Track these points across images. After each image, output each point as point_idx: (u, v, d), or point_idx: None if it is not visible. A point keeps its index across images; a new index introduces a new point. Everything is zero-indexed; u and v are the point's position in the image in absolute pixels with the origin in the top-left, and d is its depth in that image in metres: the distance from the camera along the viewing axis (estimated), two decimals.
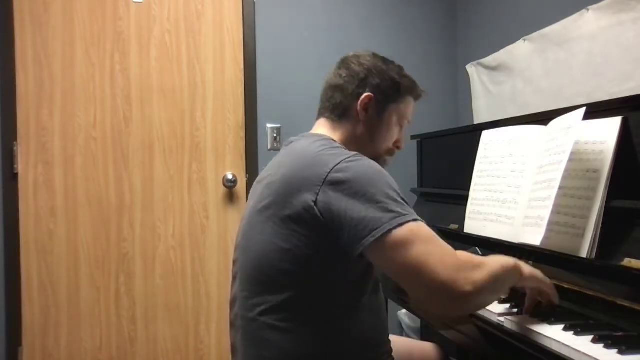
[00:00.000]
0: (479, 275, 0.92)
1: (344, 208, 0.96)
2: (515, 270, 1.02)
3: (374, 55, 1.22)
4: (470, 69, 2.64)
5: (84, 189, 2.37)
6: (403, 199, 0.99)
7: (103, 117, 2.40)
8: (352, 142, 1.17)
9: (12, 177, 2.30)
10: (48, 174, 2.34)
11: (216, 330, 2.49)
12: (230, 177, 2.48)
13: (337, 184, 0.98)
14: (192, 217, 2.48)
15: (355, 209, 0.95)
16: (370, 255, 0.96)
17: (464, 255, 0.96)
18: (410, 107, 1.24)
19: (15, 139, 2.31)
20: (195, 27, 2.48)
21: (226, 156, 2.51)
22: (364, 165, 1.01)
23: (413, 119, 1.27)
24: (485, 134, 1.64)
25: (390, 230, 0.93)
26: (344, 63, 1.22)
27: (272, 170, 1.13)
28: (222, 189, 2.50)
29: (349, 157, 1.02)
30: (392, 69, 1.21)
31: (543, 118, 1.44)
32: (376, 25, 2.75)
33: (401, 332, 2.66)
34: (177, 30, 2.46)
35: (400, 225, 0.93)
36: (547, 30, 2.04)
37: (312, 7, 2.67)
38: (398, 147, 1.25)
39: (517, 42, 2.24)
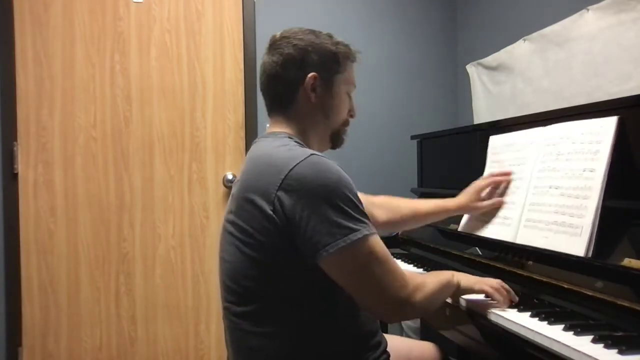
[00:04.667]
0: (421, 295, 1.02)
1: (299, 217, 0.96)
2: (450, 284, 1.13)
3: (303, 30, 1.17)
4: (470, 69, 2.64)
5: (84, 189, 2.37)
6: (360, 207, 0.99)
7: (103, 117, 2.40)
8: (309, 128, 1.17)
9: (12, 177, 2.30)
10: (48, 174, 2.34)
11: (216, 330, 2.49)
12: (230, 177, 2.48)
13: (291, 192, 0.97)
14: (192, 217, 2.48)
15: (310, 221, 0.95)
16: (324, 267, 0.98)
17: (408, 275, 1.02)
18: (352, 72, 1.22)
19: (15, 139, 2.31)
20: (195, 27, 2.48)
21: (226, 156, 2.51)
22: (320, 171, 0.99)
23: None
24: (492, 139, 1.64)
25: (343, 247, 0.95)
26: (275, 48, 1.16)
27: (239, 176, 1.13)
28: (222, 189, 2.50)
29: (303, 160, 0.99)
30: (325, 40, 1.17)
31: (543, 118, 1.44)
32: (376, 25, 2.75)
33: (401, 331, 2.65)
34: (177, 30, 2.46)
35: (354, 242, 0.95)
36: (547, 30, 2.04)
37: (312, 8, 2.67)
38: (352, 116, 1.24)
39: (517, 42, 2.23)
